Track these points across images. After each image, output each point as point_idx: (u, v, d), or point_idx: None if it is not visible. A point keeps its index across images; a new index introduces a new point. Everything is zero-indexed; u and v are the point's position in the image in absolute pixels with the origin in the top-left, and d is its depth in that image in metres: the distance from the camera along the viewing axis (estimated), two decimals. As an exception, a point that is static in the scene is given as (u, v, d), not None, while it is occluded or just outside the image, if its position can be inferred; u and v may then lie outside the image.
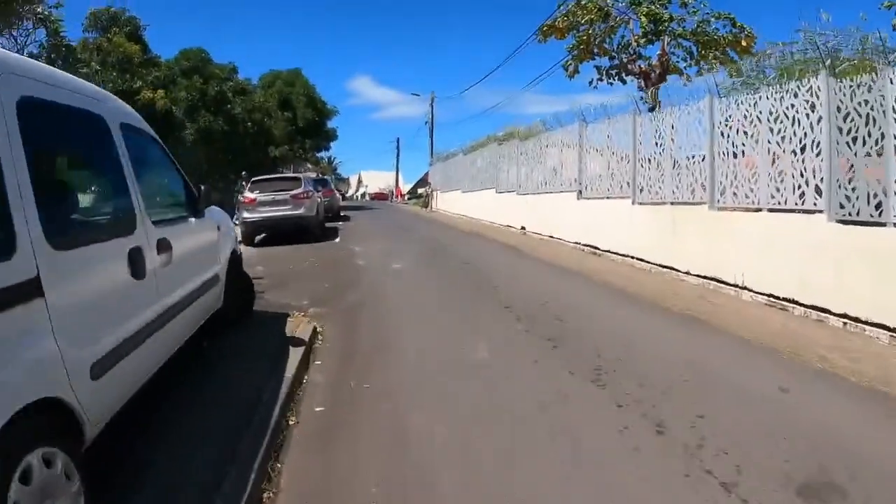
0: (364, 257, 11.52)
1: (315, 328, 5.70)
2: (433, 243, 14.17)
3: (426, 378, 4.47)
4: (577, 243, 12.42)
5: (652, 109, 10.85)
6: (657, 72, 15.45)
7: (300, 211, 13.96)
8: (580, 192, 12.67)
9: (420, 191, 63.23)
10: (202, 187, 4.79)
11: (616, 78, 16.65)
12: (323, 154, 41.67)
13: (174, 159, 4.53)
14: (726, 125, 7.84)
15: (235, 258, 5.73)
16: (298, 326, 5.69)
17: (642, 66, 15.93)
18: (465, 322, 6.18)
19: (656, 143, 9.63)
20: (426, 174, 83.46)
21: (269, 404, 3.71)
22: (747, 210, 7.37)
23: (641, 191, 10.01)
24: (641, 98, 13.54)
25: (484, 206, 21.71)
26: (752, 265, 7.09)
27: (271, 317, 6.25)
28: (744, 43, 14.82)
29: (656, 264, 9.23)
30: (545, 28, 17.15)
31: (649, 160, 9.83)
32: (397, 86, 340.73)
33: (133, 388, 3.06)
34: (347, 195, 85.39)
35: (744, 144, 7.49)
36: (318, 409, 3.93)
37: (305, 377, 4.50)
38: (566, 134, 13.93)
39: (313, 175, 32.83)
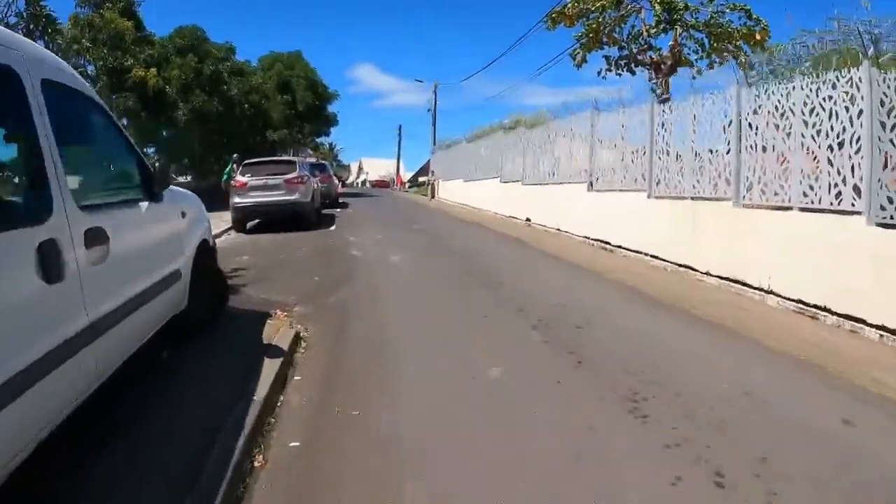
0: (360, 248, 10.74)
1: (297, 334, 4.92)
2: (434, 234, 13.40)
3: (429, 409, 3.65)
4: (586, 237, 11.76)
5: (664, 101, 10.32)
6: (669, 63, 14.84)
7: (294, 197, 13.16)
8: (591, 183, 11.98)
9: (421, 179, 62.30)
10: (156, 165, 3.98)
11: (625, 69, 16.07)
12: (323, 140, 40.66)
13: (123, 130, 3.73)
14: (755, 116, 7.24)
15: (206, 249, 4.95)
16: (279, 331, 4.90)
17: (653, 56, 15.32)
18: (473, 328, 5.40)
19: (676, 134, 9.02)
20: (428, 162, 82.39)
21: (230, 438, 2.94)
22: (776, 208, 6.73)
23: (658, 184, 9.34)
24: (652, 89, 13.36)
25: (487, 195, 21.04)
26: (779, 268, 6.51)
27: (249, 317, 5.47)
28: (758, 37, 14.18)
29: (673, 262, 8.62)
30: (554, 14, 16.35)
31: (667, 152, 9.19)
32: (400, 73, 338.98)
33: (45, 426, 2.30)
34: (347, 182, 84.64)
35: (774, 138, 6.88)
36: (292, 444, 3.15)
37: (281, 398, 3.72)
38: (577, 122, 13.20)
39: (313, 160, 32.04)
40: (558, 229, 13.45)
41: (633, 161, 10.31)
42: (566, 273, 8.62)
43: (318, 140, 41.91)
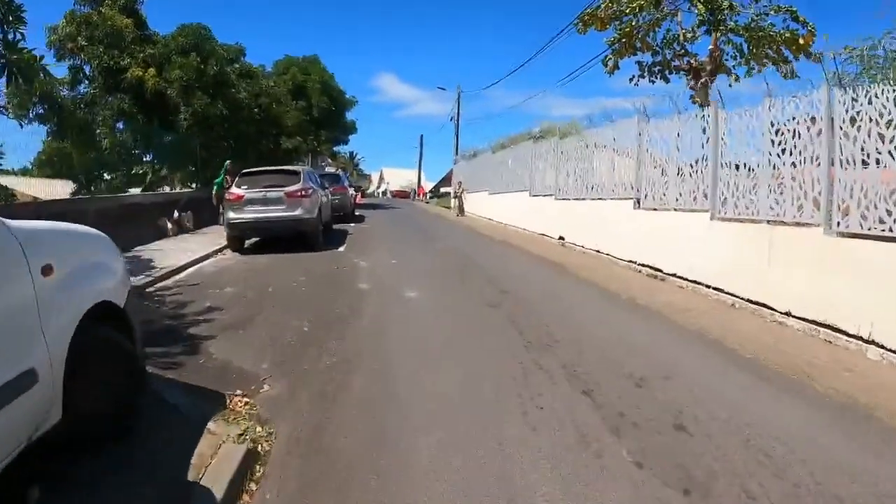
0: (369, 277, 8.93)
1: (250, 451, 3.05)
2: (458, 257, 11.52)
3: None
4: (631, 261, 10.27)
5: (702, 108, 9.59)
6: (708, 68, 14.20)
7: (296, 212, 11.41)
8: (638, 200, 10.48)
9: (443, 190, 60.58)
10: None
11: (658, 76, 15.38)
12: (342, 148, 38.96)
13: None
14: (852, 125, 5.91)
15: (112, 316, 3.13)
16: (220, 446, 3.05)
17: (692, 61, 14.65)
18: (523, 426, 3.51)
19: (748, 144, 7.68)
20: (449, 172, 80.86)
21: None
22: (882, 239, 5.41)
23: (725, 203, 7.89)
24: (691, 96, 12.44)
25: (514, 209, 19.44)
26: (885, 313, 5.19)
27: (192, 405, 3.65)
28: (801, 41, 13.47)
29: (741, 298, 7.20)
30: (586, 17, 15.58)
31: (737, 165, 7.80)
32: (420, 83, 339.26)
33: None
34: (368, 192, 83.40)
35: (878, 151, 5.55)
36: None
37: None
38: (620, 131, 11.70)
39: (332, 169, 30.39)
40: (597, 250, 11.87)
41: (690, 175, 8.80)
42: (627, 314, 6.78)
43: (337, 149, 40.03)
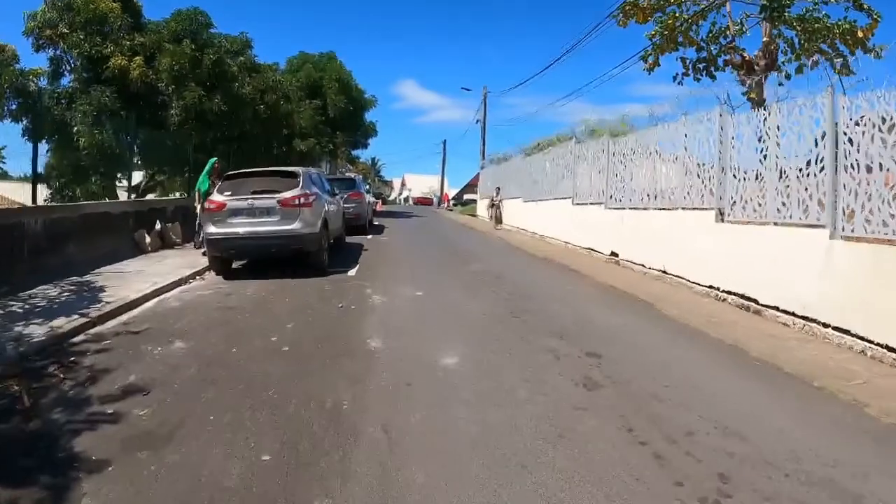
0: (384, 324, 6.21)
1: None
2: (502, 286, 8.75)
3: None
4: (711, 287, 8.47)
5: (759, 105, 9.09)
6: (762, 63, 13.18)
7: (293, 226, 8.76)
8: (720, 211, 8.61)
9: (467, 196, 57.87)
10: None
11: (704, 73, 14.47)
12: (362, 154, 36.26)
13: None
14: None
15: None
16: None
17: (745, 55, 13.57)
18: None
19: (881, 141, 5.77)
20: (473, 178, 78.46)
21: None
22: None
23: (852, 216, 6.12)
24: (744, 93, 11.77)
25: (554, 219, 17.04)
26: None
27: None
28: (860, 34, 12.62)
29: (874, 343, 5.45)
30: (627, 7, 14.60)
31: (868, 166, 5.94)
32: (442, 89, 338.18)
33: None
34: (389, 199, 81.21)
35: None
36: None
37: None
38: (695, 127, 9.69)
39: (352, 174, 27.77)
40: (663, 271, 9.99)
41: (799, 180, 6.96)
42: (752, 382, 4.19)
43: (356, 153, 37.34)
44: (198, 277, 9.32)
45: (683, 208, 9.65)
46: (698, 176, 9.36)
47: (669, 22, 13.79)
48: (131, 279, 8.64)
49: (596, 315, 6.87)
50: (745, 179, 8.12)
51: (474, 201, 51.94)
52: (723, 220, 8.51)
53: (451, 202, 51.52)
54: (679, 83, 14.77)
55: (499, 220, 22.26)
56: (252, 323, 6.19)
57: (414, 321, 6.24)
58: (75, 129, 14.24)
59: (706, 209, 8.93)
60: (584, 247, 14.09)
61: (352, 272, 9.49)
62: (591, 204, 14.03)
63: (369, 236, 16.11)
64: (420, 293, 7.74)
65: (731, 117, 8.70)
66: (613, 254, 12.34)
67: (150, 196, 17.33)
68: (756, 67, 13.22)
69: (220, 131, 16.56)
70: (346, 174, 27.68)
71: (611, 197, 12.90)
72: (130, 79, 14.87)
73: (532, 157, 21.12)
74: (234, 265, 9.97)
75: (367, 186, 36.09)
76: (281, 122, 20.24)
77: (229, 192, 8.91)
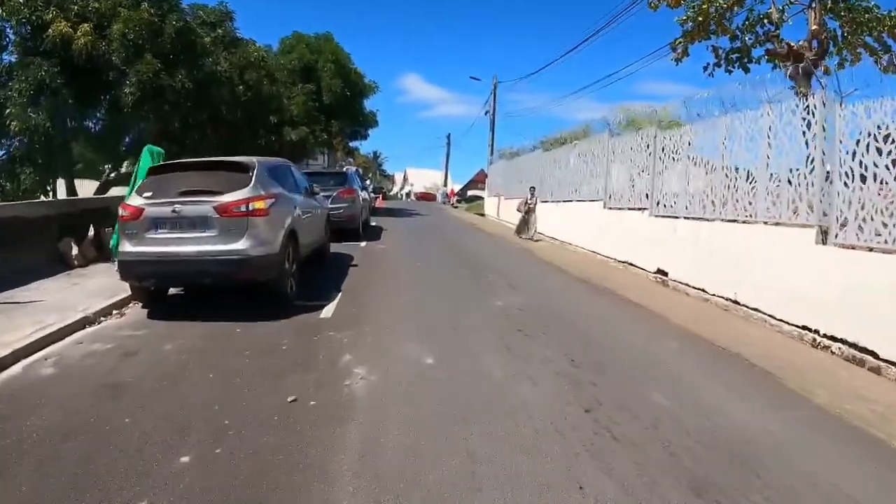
0: (370, 455, 3.32)
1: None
2: (553, 337, 5.90)
3: None
4: (805, 328, 6.44)
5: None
6: (808, 54, 12.04)
7: (235, 244, 5.91)
8: (824, 230, 6.57)
9: (471, 193, 55.03)
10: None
11: (737, 64, 13.42)
12: (363, 146, 33.10)
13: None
14: None
15: None
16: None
17: (791, 44, 12.38)
18: None
19: None
20: (478, 174, 75.93)
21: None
22: None
23: None
24: (792, 87, 10.57)
25: (579, 224, 14.55)
26: None
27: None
28: None
29: None
30: None
31: None
32: (445, 84, 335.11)
33: None
34: (391, 194, 78.26)
35: None
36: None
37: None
38: (787, 118, 7.48)
39: (353, 168, 24.65)
40: (733, 300, 7.85)
41: None
42: None
43: (354, 144, 34.08)
44: (115, 313, 6.57)
45: (766, 222, 7.49)
46: (790, 182, 7.14)
47: (704, 7, 12.64)
48: (17, 316, 5.97)
49: (730, 412, 4.08)
50: (861, 189, 5.97)
51: (478, 198, 49.22)
52: (826, 243, 6.41)
53: (457, 199, 48.57)
54: (710, 74, 13.76)
55: (528, 228, 17.03)
56: (126, 437, 3.43)
57: (428, 444, 3.44)
58: (8, 111, 11.60)
59: (802, 226, 6.82)
60: (618, 259, 11.75)
61: (329, 309, 6.63)
62: (631, 209, 11.68)
63: (363, 243, 13.30)
64: (431, 360, 4.92)
65: (840, 109, 6.37)
66: (660, 272, 10.01)
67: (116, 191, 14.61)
68: (804, 57, 11.94)
69: (187, 114, 13.81)
70: (344, 168, 24.79)
71: (658, 202, 10.54)
72: (75, 49, 12.12)
73: (554, 151, 18.43)
74: (172, 290, 7.28)
75: (367, 181, 33.14)
76: (267, 107, 17.48)
77: (150, 194, 6.15)
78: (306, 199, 8.31)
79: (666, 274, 9.87)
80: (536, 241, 16.12)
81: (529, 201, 17.03)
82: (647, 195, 10.96)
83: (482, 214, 31.48)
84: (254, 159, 6.57)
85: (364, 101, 26.62)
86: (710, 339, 6.08)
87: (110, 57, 12.57)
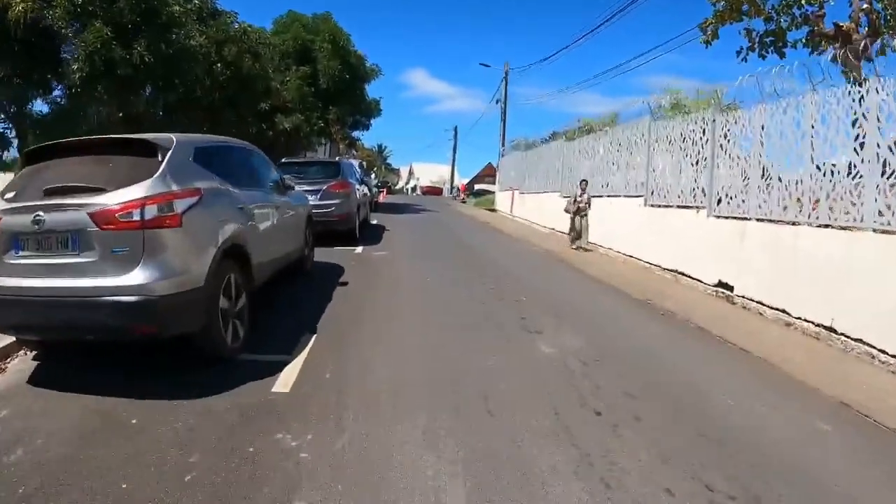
0: None
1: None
2: (641, 409, 3.73)
3: None
4: None
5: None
6: (858, 35, 10.68)
7: (128, 277, 3.59)
8: None
9: (478, 187, 52.54)
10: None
11: (771, 48, 12.50)
12: (361, 134, 30.30)
13: None
14: None
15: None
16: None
17: (840, 24, 11.21)
18: None
19: None
20: (485, 168, 73.69)
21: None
22: None
23: None
24: (843, 71, 9.25)
25: (615, 223, 12.22)
26: None
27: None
28: None
29: None
30: None
31: None
32: (451, 79, 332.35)
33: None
34: (396, 188, 76.07)
35: None
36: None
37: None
38: None
39: (355, 161, 21.96)
40: (828, 327, 5.99)
41: None
42: None
43: (356, 134, 31.28)
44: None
45: (876, 230, 5.68)
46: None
47: (738, -17, 11.60)
48: None
49: None
50: None
51: (486, 192, 46.75)
52: None
53: (466, 194, 46.21)
54: (743, 59, 12.87)
55: (580, 236, 12.92)
56: None
57: None
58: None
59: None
60: (663, 267, 9.73)
61: (290, 371, 4.25)
62: (680, 207, 9.65)
63: (359, 249, 11.00)
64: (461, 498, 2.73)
65: None
66: (723, 285, 8.10)
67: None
68: (854, 38, 10.73)
69: (157, 96, 11.61)
70: (348, 158, 22.45)
71: (720, 200, 8.58)
72: (11, 18, 9.92)
73: (579, 140, 16.11)
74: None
75: (372, 175, 30.63)
76: (252, 89, 15.22)
77: (12, 194, 3.94)
78: (271, 196, 6.01)
79: (730, 288, 7.88)
80: (588, 251, 12.45)
81: (579, 199, 12.80)
82: (702, 191, 8.97)
83: (493, 210, 29.23)
84: (173, 136, 4.22)
85: (366, 86, 24.32)
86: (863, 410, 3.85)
87: (55, 26, 10.36)
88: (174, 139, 4.27)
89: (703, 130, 9.11)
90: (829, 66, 7.29)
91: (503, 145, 32.75)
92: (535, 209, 19.94)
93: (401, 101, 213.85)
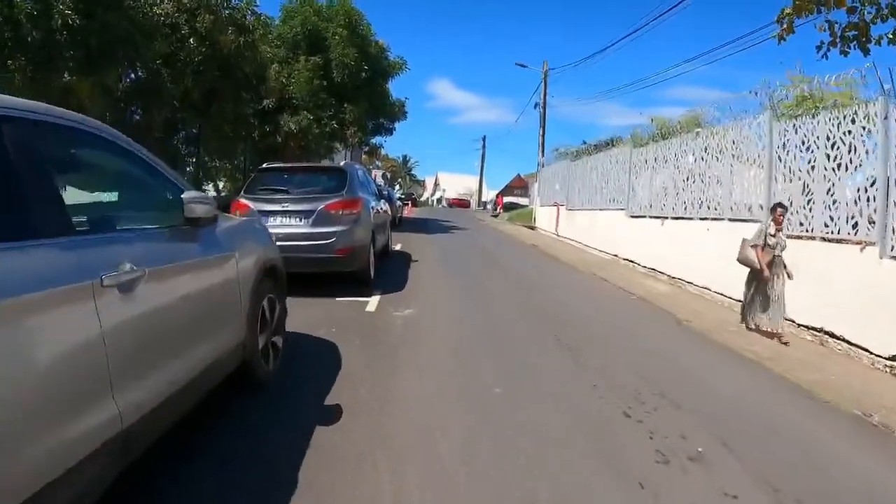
0: None
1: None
2: None
3: None
4: None
5: None
6: None
7: None
8: None
9: (506, 200, 48.59)
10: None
11: (854, 43, 8.91)
12: (383, 141, 26.16)
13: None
14: None
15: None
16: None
17: None
18: None
19: None
20: (514, 179, 69.84)
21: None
22: None
23: None
24: None
25: (714, 256, 8.78)
26: None
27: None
28: None
29: None
30: None
31: None
32: (477, 89, 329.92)
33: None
34: (421, 199, 72.71)
35: None
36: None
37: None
38: None
39: (380, 171, 17.83)
40: None
41: None
42: None
43: (377, 141, 26.79)
44: None
45: None
46: None
47: (818, -28, 9.34)
48: None
49: None
50: None
51: (516, 205, 42.85)
52: None
53: (500, 207, 42.44)
54: (824, 56, 10.43)
55: (761, 301, 6.78)
56: None
57: None
58: None
59: None
60: (806, 325, 6.96)
61: None
62: (828, 240, 7.01)
63: (373, 300, 7.18)
64: None
65: None
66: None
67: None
68: None
69: (93, 81, 8.19)
70: (372, 169, 18.86)
71: None
72: None
73: (653, 146, 12.43)
74: None
75: (397, 187, 26.72)
76: (238, 76, 11.75)
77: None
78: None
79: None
80: (780, 338, 6.47)
81: (771, 238, 6.67)
82: (869, 220, 6.31)
83: (532, 227, 25.56)
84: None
85: (388, 83, 20.73)
86: None
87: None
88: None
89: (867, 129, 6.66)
90: None
91: (542, 153, 29.07)
92: (577, 227, 16.96)
93: (425, 112, 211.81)
